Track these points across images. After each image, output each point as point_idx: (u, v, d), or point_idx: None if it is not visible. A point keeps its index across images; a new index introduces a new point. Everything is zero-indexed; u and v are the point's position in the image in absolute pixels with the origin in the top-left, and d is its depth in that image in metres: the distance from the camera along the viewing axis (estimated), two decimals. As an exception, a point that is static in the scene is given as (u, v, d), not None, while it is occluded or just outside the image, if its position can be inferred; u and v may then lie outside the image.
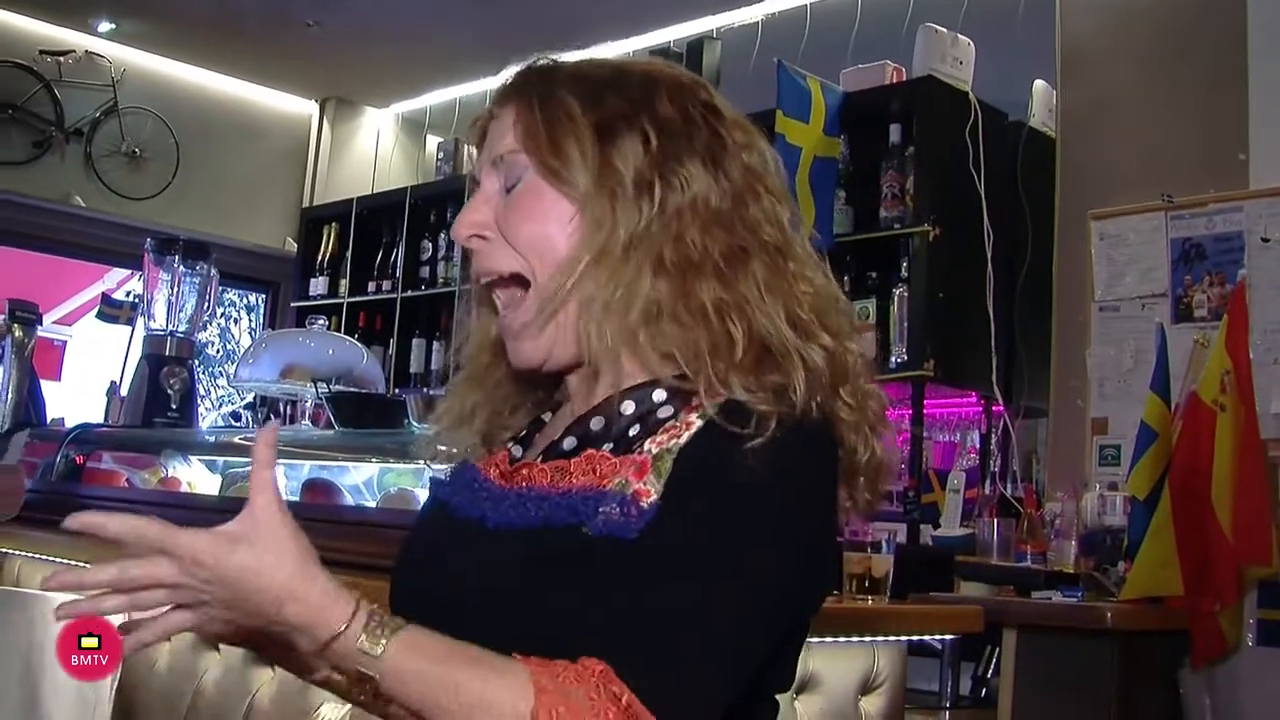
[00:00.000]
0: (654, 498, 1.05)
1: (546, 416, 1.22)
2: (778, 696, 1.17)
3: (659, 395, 1.11)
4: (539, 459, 1.15)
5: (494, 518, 1.12)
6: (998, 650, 3.12)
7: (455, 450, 1.28)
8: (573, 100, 1.14)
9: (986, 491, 3.93)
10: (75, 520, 0.95)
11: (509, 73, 1.21)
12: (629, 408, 1.12)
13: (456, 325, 1.27)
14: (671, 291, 1.09)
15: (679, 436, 1.08)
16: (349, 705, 1.29)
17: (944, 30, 4.24)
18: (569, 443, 1.14)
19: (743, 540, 1.02)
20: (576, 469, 1.11)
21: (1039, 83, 4.47)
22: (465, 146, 5.84)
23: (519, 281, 1.16)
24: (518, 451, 1.20)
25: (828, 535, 1.11)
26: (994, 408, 4.14)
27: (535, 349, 1.16)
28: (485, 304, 1.23)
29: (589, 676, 0.94)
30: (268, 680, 1.96)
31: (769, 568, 1.02)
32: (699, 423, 1.07)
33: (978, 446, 4.19)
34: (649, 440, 1.09)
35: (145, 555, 0.95)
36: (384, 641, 0.94)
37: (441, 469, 1.28)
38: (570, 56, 1.22)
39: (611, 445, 1.11)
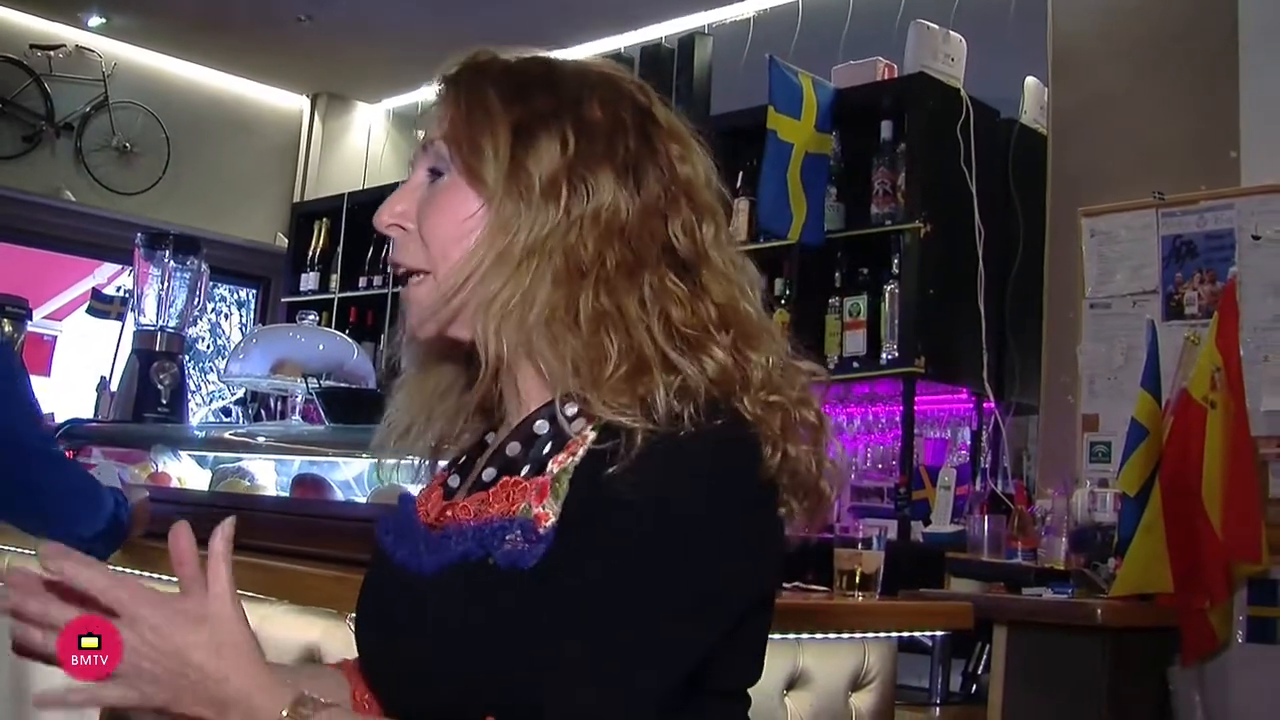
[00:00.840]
0: (552, 521, 1.04)
1: (490, 438, 1.19)
2: (754, 692, 1.15)
3: (570, 409, 1.08)
4: (464, 496, 1.14)
5: (429, 563, 1.11)
6: (988, 647, 3.13)
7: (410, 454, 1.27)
8: (496, 97, 1.13)
9: (977, 488, 3.93)
10: (53, 562, 0.97)
11: (450, 62, 1.19)
12: (543, 427, 1.11)
13: (397, 324, 1.26)
14: (559, 299, 1.08)
15: (575, 453, 1.06)
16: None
17: (936, 27, 4.24)
18: (488, 474, 1.13)
19: (633, 571, 0.99)
20: (495, 498, 1.09)
21: (1030, 80, 4.47)
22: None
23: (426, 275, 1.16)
24: (454, 482, 1.19)
25: (734, 539, 1.04)
26: (985, 404, 4.13)
27: (431, 331, 1.16)
28: None
29: None
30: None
31: (666, 594, 1.00)
32: (592, 435, 1.06)
33: (969, 443, 4.19)
34: (552, 460, 1.07)
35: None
36: None
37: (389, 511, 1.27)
38: (518, 53, 1.19)
39: (529, 467, 1.10)
